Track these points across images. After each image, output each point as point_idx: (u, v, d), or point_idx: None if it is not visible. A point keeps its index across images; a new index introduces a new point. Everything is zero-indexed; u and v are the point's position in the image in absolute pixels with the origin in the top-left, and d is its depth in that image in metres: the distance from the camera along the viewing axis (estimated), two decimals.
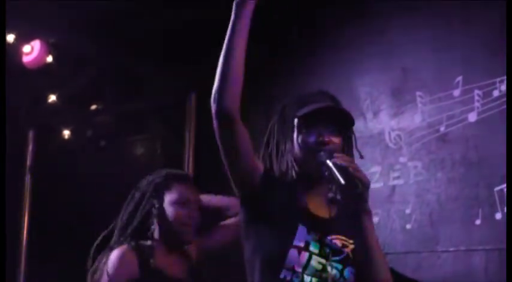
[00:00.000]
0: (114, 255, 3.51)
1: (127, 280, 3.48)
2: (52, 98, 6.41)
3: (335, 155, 2.60)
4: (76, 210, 6.73)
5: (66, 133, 6.78)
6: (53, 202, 6.86)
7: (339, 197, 2.63)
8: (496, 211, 4.87)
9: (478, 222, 4.94)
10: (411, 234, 5.23)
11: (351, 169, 2.55)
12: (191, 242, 3.65)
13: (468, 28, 5.14)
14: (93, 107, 6.79)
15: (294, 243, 2.62)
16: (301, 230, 2.65)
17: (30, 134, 6.99)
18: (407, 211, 5.25)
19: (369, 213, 2.68)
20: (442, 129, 5.19)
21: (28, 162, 6.94)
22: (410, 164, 5.31)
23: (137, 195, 3.72)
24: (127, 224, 3.64)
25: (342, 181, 2.52)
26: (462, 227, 5.01)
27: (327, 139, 2.67)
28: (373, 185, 5.30)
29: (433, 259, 5.11)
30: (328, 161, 2.58)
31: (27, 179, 6.93)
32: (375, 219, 5.24)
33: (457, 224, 5.04)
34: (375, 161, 5.40)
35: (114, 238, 3.63)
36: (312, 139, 2.68)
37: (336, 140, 2.69)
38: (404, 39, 5.45)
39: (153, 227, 3.61)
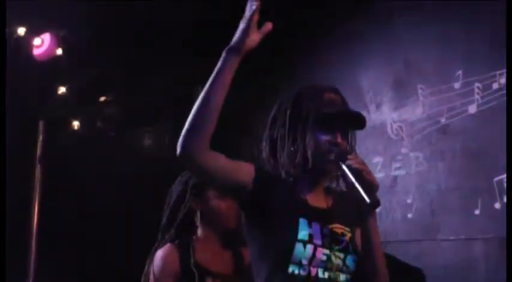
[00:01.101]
0: (158, 255, 3.57)
1: (173, 278, 3.51)
2: (62, 89, 6.42)
3: (349, 156, 2.59)
4: (85, 199, 6.76)
5: (76, 124, 6.79)
6: (63, 191, 6.88)
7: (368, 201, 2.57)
8: (495, 201, 4.88)
9: (477, 211, 4.95)
10: (412, 223, 5.26)
11: (364, 172, 2.55)
12: (233, 230, 3.63)
13: (469, 22, 5.15)
14: (102, 98, 6.80)
15: (298, 238, 2.59)
16: (303, 223, 2.62)
17: (41, 125, 6.99)
18: (409, 201, 5.26)
19: (374, 216, 2.66)
20: (443, 121, 5.20)
21: (38, 153, 6.95)
22: (411, 154, 5.32)
23: (176, 194, 3.71)
24: (170, 224, 3.63)
25: (359, 187, 2.51)
26: (462, 217, 5.02)
27: (339, 140, 2.66)
28: (376, 175, 5.34)
29: (433, 247, 5.13)
30: (342, 165, 2.57)
31: (38, 168, 6.94)
32: (377, 209, 5.25)
33: (457, 213, 5.06)
34: (377, 152, 5.43)
35: (159, 238, 3.65)
36: (325, 138, 2.66)
37: (345, 141, 2.69)
38: (406, 34, 5.47)
39: (196, 223, 3.60)
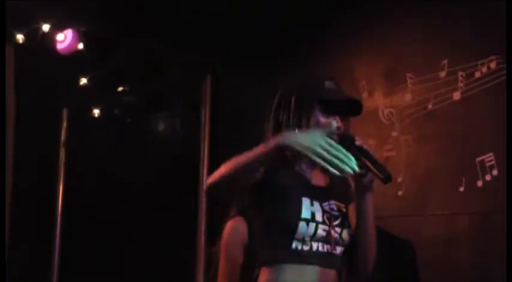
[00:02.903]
0: (228, 225, 3.57)
1: (241, 248, 3.51)
2: (83, 80, 6.44)
3: (357, 138, 2.62)
4: (105, 179, 6.80)
5: (96, 112, 6.82)
6: (84, 172, 6.93)
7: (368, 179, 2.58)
8: (478, 179, 4.91)
9: (461, 189, 4.98)
10: (402, 200, 5.27)
11: (371, 152, 2.58)
12: None
13: (454, 16, 5.17)
14: (120, 88, 6.82)
15: (302, 217, 2.62)
16: (306, 202, 2.66)
17: (64, 113, 7.03)
18: (399, 179, 5.28)
19: (372, 193, 2.71)
20: (430, 106, 5.22)
21: (62, 138, 6.99)
22: (401, 137, 5.33)
23: None
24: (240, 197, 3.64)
25: (372, 167, 2.53)
26: (448, 194, 5.06)
27: (339, 123, 2.68)
28: None
29: (422, 222, 5.16)
30: (358, 152, 2.58)
31: (62, 152, 6.98)
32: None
33: (443, 190, 5.09)
34: (370, 135, 5.42)
35: (231, 210, 3.64)
36: (327, 121, 2.68)
37: (342, 125, 2.71)
38: (397, 26, 5.48)
39: None
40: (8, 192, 5.90)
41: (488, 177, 4.89)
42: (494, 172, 4.85)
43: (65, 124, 7.03)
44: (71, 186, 6.95)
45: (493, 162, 4.86)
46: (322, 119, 2.69)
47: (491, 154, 4.88)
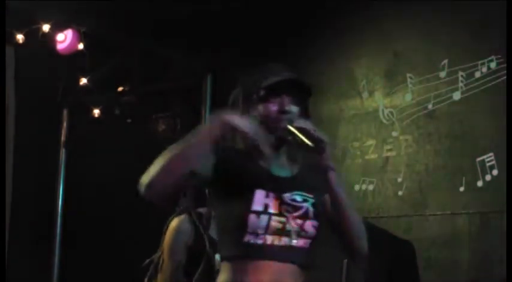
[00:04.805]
0: (172, 224, 3.55)
1: (184, 244, 3.50)
2: (83, 80, 6.43)
3: (295, 120, 2.58)
4: (105, 179, 6.80)
5: (96, 112, 6.82)
6: (85, 172, 6.93)
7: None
8: (478, 179, 4.92)
9: (461, 189, 4.99)
10: (403, 199, 5.27)
11: (310, 129, 2.54)
12: None
13: (454, 17, 5.17)
14: (120, 88, 6.82)
15: (252, 209, 2.52)
16: (259, 194, 2.54)
17: (65, 113, 7.04)
18: (399, 179, 5.28)
19: (333, 170, 2.60)
20: (430, 106, 5.22)
21: (63, 138, 6.99)
22: (401, 137, 5.34)
23: None
24: (185, 194, 3.63)
25: (308, 141, 2.51)
26: (448, 193, 5.07)
27: (287, 108, 2.63)
28: (369, 157, 5.39)
29: (422, 222, 5.16)
30: (289, 126, 2.55)
31: (62, 152, 6.98)
32: (371, 187, 5.29)
33: (443, 190, 5.09)
34: (370, 135, 5.43)
35: (178, 206, 3.64)
36: (274, 108, 2.63)
37: (294, 108, 2.64)
38: (396, 27, 5.49)
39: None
40: (8, 192, 5.90)
41: (488, 177, 4.89)
42: (494, 172, 4.86)
43: (65, 124, 7.03)
44: (71, 186, 6.96)
45: (493, 162, 4.86)
46: (269, 107, 2.64)
47: (491, 154, 4.88)
